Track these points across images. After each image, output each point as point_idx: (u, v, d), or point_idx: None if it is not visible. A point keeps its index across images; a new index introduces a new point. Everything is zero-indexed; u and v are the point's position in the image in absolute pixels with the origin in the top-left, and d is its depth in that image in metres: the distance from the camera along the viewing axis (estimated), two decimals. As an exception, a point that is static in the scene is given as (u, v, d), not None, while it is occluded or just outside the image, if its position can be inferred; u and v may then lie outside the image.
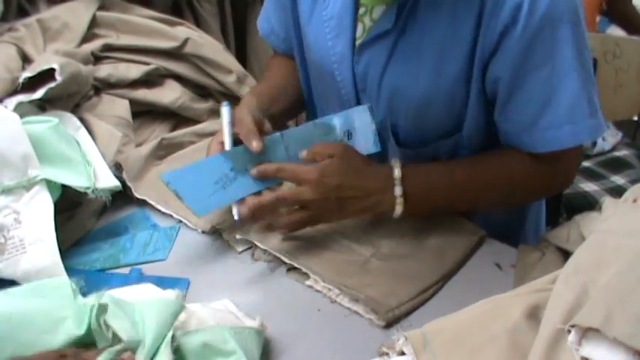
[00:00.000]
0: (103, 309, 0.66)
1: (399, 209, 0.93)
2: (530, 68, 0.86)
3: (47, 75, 1.05)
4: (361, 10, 0.97)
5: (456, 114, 0.96)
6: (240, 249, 0.98)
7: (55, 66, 1.05)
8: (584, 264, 0.64)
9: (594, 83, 0.90)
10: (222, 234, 1.01)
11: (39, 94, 1.03)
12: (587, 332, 0.55)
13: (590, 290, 0.60)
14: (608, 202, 0.84)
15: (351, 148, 0.95)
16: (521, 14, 0.83)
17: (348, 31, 0.98)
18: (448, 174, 0.95)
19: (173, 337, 0.67)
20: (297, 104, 1.20)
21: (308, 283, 0.90)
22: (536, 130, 0.89)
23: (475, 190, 0.96)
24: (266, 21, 1.20)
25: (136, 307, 0.67)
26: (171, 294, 0.71)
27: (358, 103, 1.03)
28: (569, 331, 0.55)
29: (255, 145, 0.92)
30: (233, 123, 0.98)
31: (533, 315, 0.63)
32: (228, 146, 0.97)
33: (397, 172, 0.92)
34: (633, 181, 1.94)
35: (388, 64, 0.95)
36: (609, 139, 2.05)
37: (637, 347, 0.52)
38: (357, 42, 0.98)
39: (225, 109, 1.00)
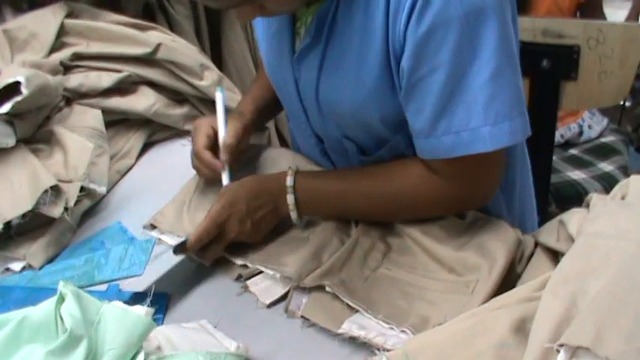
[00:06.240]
0: (61, 299, 0.65)
1: (293, 215, 0.94)
2: (424, 70, 0.81)
3: (13, 89, 1.02)
4: (297, 24, 0.94)
5: (395, 119, 0.91)
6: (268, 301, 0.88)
7: (20, 79, 1.02)
8: (572, 272, 0.61)
9: (511, 86, 0.82)
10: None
11: (4, 108, 1.00)
12: (577, 350, 0.52)
13: (579, 301, 0.57)
14: (595, 199, 0.81)
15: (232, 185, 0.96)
16: (414, 14, 0.78)
17: (287, 45, 0.95)
18: (340, 181, 0.95)
19: (146, 360, 0.64)
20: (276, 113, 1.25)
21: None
22: (433, 136, 0.84)
23: (358, 197, 0.93)
24: None
25: (102, 309, 0.65)
26: (140, 310, 0.68)
27: (306, 118, 1.02)
28: (558, 351, 0.53)
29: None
30: (227, 109, 1.00)
31: (521, 328, 0.60)
32: (222, 133, 0.97)
33: (289, 181, 0.94)
34: (621, 167, 1.93)
35: (320, 78, 0.92)
36: (595, 127, 2.03)
37: (629, 362, 0.50)
38: (294, 56, 0.95)
39: (219, 95, 1.02)
